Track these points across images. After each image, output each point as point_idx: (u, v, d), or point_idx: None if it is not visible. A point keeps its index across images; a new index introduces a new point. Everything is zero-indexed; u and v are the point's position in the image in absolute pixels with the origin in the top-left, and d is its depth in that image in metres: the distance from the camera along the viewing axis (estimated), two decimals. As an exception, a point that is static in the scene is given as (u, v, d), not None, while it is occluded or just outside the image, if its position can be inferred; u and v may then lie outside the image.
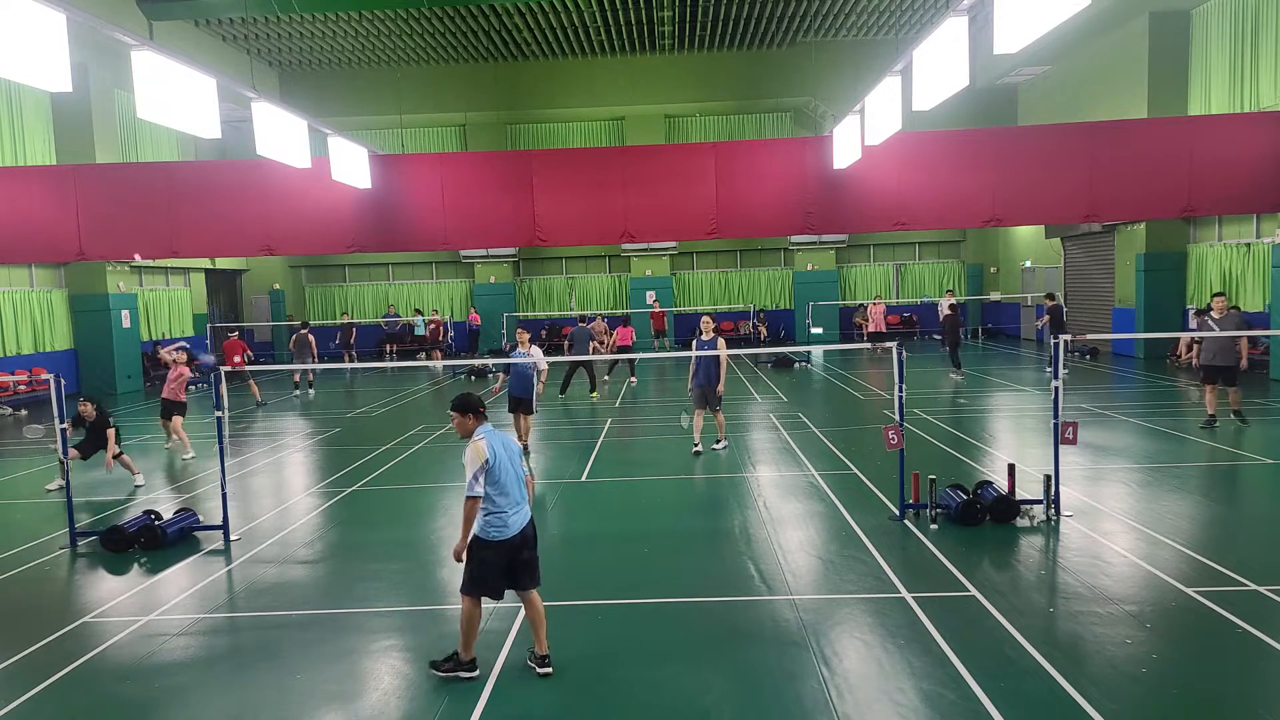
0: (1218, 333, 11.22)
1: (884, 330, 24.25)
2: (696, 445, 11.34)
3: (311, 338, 19.86)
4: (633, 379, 19.54)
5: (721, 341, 11.27)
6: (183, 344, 15.03)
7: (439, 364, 18.11)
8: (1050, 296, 19.52)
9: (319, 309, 30.97)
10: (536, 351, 11.49)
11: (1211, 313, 11.81)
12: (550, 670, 5.09)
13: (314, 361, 19.55)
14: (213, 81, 10.42)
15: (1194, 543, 7.07)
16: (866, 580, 6.52)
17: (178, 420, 12.51)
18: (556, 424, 14.60)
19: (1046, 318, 19.29)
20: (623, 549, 7.60)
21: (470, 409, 5.17)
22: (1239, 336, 11.34)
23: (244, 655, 5.65)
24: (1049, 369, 18.79)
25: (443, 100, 27.49)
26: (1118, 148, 16.23)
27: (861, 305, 28.64)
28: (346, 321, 26.24)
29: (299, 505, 9.49)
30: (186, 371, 12.73)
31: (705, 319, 11.92)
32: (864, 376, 19.44)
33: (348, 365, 19.64)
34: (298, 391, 19.88)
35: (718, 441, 11.49)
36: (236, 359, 16.85)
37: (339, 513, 9.07)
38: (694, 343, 11.56)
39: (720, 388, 11.17)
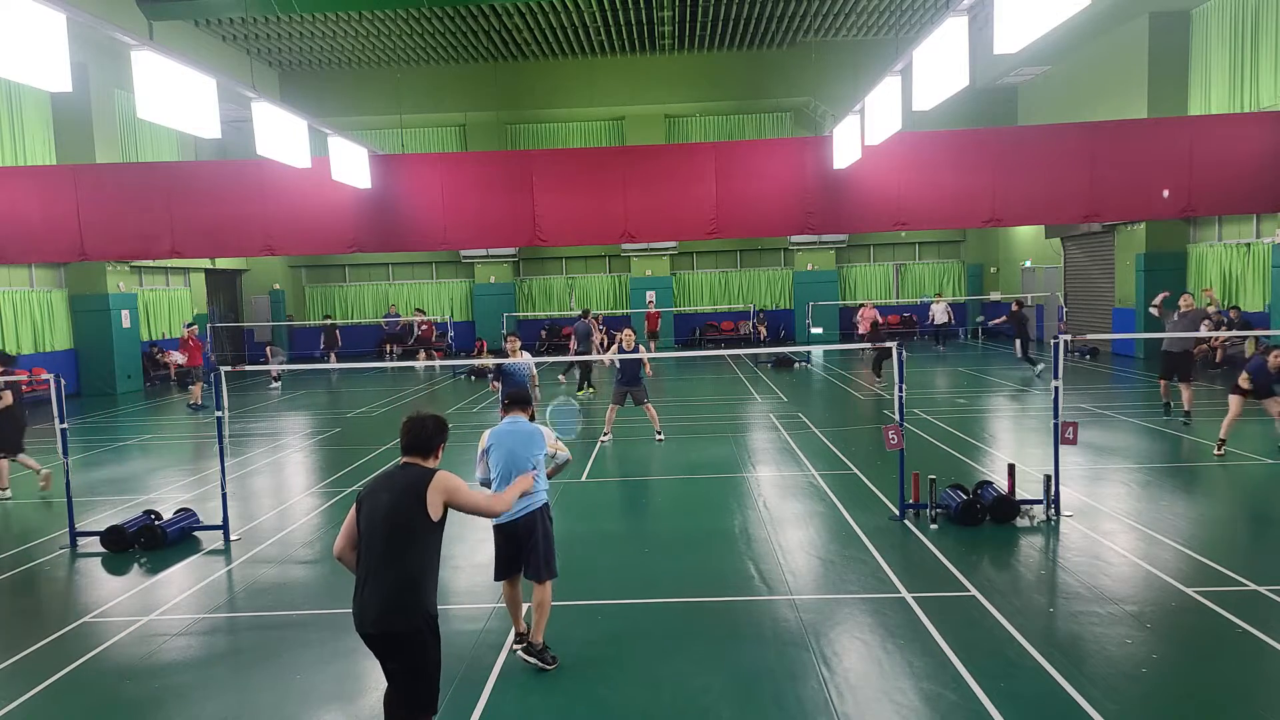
0: (1169, 332, 11.86)
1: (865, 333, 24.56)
2: (606, 434, 12.37)
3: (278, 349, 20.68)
4: (571, 374, 19.62)
5: (642, 347, 13.09)
6: None
7: (421, 364, 18.11)
8: (1019, 303, 19.27)
9: (319, 309, 30.96)
10: (527, 356, 11.63)
11: (1177, 310, 12.42)
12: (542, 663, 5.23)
13: (284, 362, 20.59)
14: (213, 81, 10.42)
15: (1194, 543, 7.07)
16: (866, 580, 6.52)
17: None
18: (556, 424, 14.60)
19: (1002, 318, 19.95)
20: (623, 549, 7.61)
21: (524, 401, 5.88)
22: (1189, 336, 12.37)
23: (244, 655, 5.65)
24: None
25: (443, 100, 27.46)
26: (1118, 148, 16.22)
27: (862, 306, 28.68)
28: (329, 324, 26.18)
29: (299, 505, 9.49)
30: None
31: (628, 331, 12.61)
32: (864, 376, 19.43)
33: (328, 365, 19.87)
34: (274, 384, 21.50)
35: (658, 433, 12.31)
36: None
37: (339, 513, 9.04)
38: (616, 348, 12.49)
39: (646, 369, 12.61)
